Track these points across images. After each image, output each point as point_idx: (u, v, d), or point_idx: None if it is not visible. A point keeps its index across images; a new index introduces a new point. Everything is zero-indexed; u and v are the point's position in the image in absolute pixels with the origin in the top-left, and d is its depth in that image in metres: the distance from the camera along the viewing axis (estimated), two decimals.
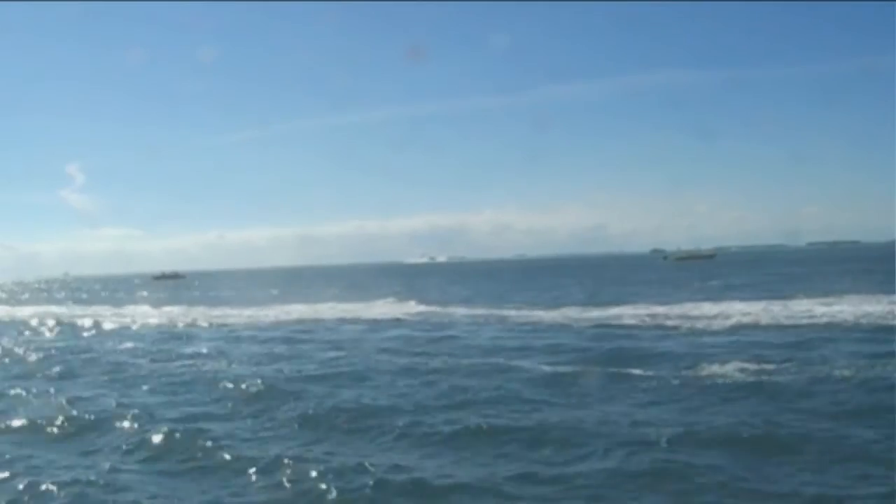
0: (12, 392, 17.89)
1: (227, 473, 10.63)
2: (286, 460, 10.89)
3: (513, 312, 34.76)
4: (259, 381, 17.43)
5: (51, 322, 40.11)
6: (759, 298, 35.29)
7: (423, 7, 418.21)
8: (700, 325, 26.29)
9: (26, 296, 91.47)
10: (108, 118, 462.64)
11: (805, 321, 25.82)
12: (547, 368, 18.35)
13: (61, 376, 20.68)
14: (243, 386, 17.01)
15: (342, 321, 34.04)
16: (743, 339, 22.40)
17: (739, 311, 29.69)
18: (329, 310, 40.54)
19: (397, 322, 33.08)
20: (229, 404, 15.47)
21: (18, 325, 39.93)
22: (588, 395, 15.21)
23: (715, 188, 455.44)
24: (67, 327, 37.56)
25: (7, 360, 24.86)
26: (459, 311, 36.31)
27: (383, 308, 40.66)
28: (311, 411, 14.22)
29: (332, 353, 22.64)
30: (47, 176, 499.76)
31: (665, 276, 71.03)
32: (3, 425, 14.21)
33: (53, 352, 26.36)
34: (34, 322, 41.48)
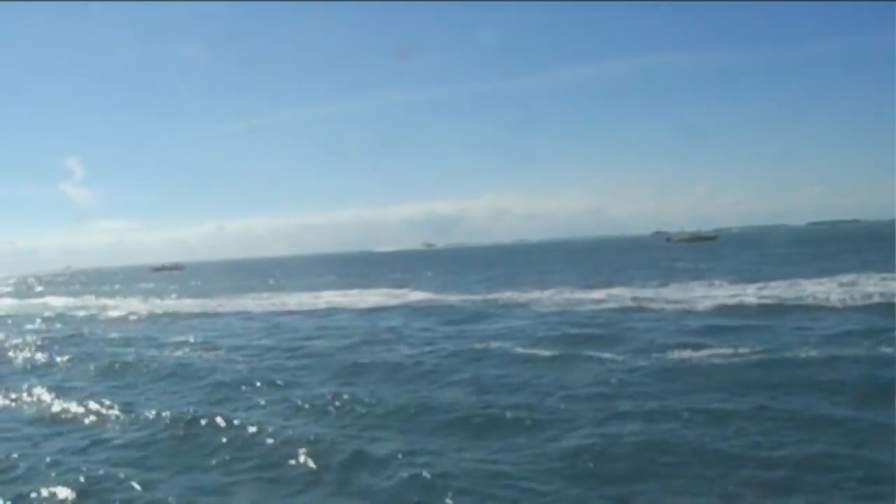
0: None
1: None
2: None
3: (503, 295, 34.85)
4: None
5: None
6: (751, 280, 34.99)
7: None
8: (685, 306, 26.25)
9: (40, 288, 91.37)
10: (106, 112, 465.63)
11: (790, 301, 25.74)
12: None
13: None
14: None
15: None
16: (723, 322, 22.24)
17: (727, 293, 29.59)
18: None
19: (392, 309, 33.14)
20: None
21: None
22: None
23: (714, 170, 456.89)
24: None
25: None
26: (453, 298, 36.39)
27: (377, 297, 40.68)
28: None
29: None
30: (47, 170, 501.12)
31: (668, 257, 70.22)
32: None
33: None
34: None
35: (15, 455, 11.32)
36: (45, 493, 9.46)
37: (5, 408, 15.34)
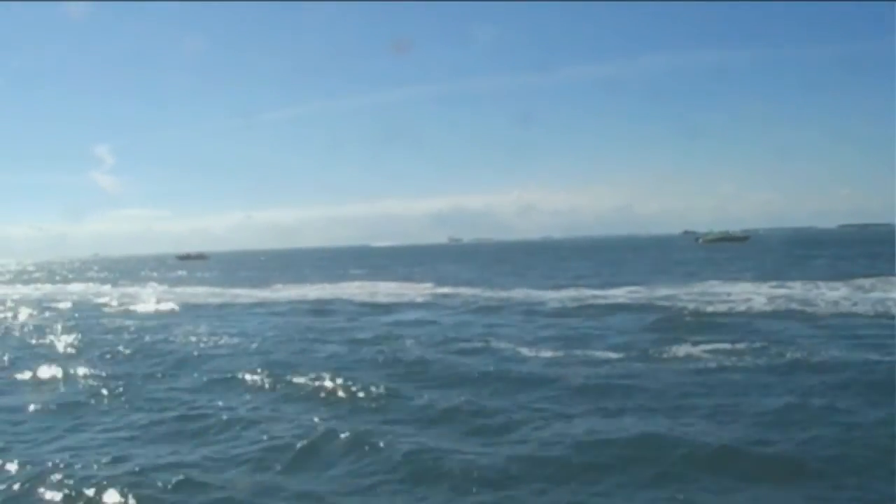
0: None
1: None
2: None
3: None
4: None
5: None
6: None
7: None
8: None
9: (71, 275, 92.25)
10: (137, 101, 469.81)
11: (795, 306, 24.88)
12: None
13: None
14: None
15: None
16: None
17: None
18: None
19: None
20: None
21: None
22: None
23: (743, 169, 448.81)
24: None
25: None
26: (466, 292, 36.29)
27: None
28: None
29: None
30: (77, 158, 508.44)
31: (700, 258, 68.51)
32: None
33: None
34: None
35: None
36: None
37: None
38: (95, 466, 9.51)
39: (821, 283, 31.47)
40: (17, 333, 25.88)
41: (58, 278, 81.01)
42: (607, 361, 15.87)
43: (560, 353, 17.02)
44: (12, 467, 9.58)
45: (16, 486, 8.90)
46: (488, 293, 35.27)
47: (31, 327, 27.63)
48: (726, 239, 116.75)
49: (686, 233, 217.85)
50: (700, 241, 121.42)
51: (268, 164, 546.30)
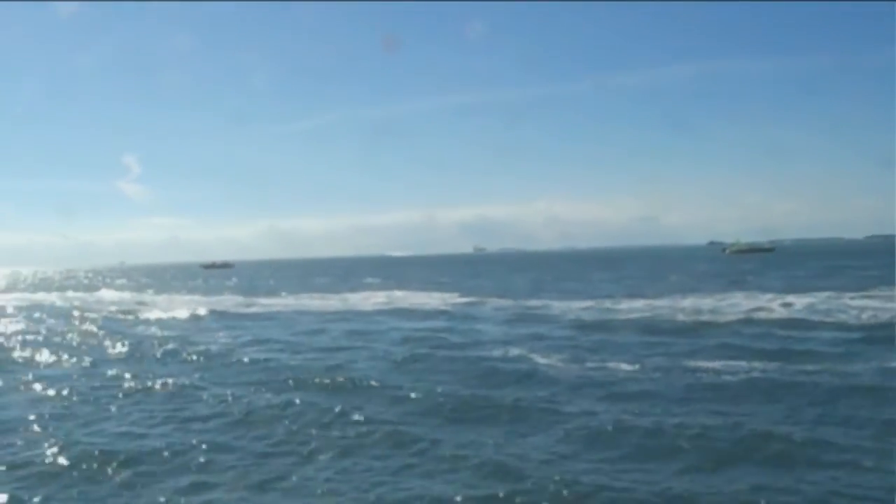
0: None
1: None
2: None
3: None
4: None
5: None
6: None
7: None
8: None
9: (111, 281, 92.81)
10: (163, 111, 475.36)
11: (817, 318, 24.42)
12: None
13: None
14: None
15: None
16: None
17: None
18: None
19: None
20: None
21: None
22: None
23: (767, 179, 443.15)
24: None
25: None
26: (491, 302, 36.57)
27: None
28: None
29: None
30: (104, 166, 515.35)
31: (728, 269, 67.60)
32: None
33: None
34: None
35: None
36: None
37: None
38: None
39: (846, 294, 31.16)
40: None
41: (101, 286, 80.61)
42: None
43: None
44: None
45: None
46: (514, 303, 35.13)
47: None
48: (753, 250, 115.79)
49: (712, 243, 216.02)
50: (726, 251, 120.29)
51: (292, 174, 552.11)
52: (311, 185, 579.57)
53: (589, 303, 33.29)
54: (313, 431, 11.48)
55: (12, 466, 10.08)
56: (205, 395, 14.56)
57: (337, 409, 12.59)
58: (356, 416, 12.15)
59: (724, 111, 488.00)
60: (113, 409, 13.77)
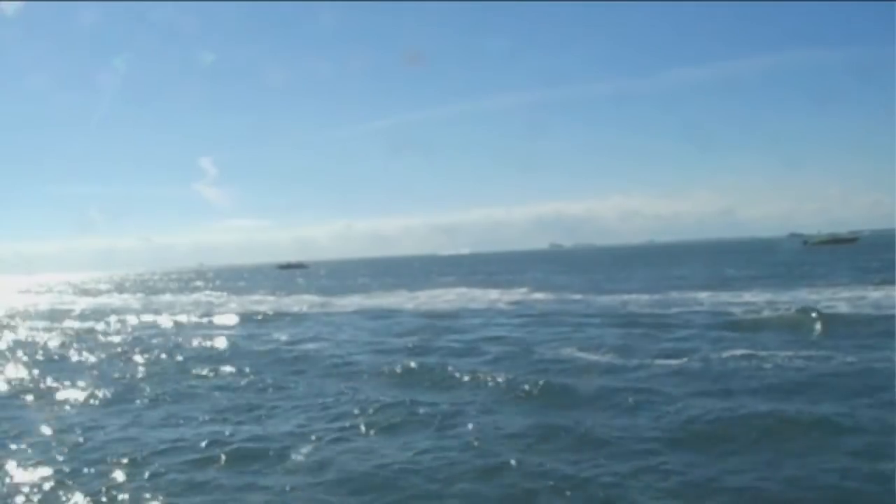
0: None
1: None
2: None
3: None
4: None
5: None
6: None
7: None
8: None
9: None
10: (239, 113, 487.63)
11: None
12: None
13: None
14: None
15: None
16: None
17: None
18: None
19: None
20: None
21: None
22: None
23: (848, 171, 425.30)
24: None
25: None
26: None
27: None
28: None
29: None
30: (182, 170, 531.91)
31: (811, 261, 65.32)
32: None
33: None
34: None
35: None
36: None
37: None
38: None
39: None
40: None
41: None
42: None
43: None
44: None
45: None
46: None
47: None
48: (835, 241, 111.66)
49: (792, 235, 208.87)
50: (808, 243, 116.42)
51: (367, 174, 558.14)
52: (387, 184, 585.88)
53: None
54: None
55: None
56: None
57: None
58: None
59: (801, 104, 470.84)
60: None
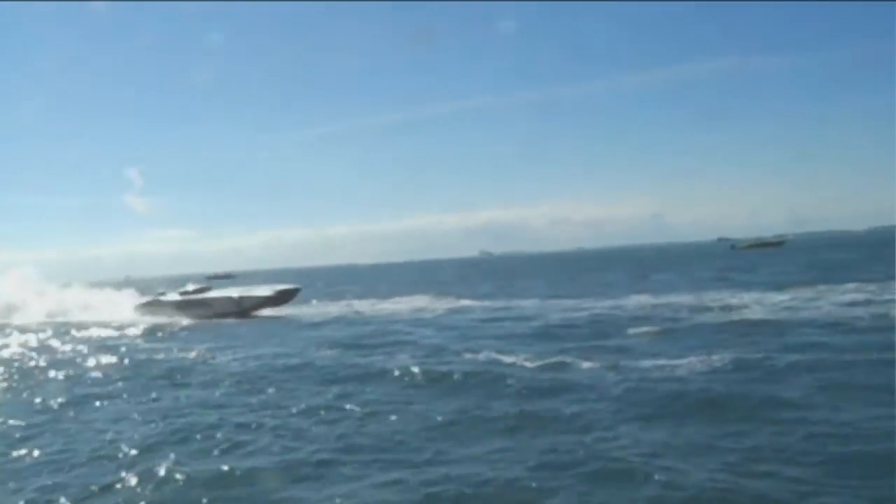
0: None
1: None
2: None
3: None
4: None
5: None
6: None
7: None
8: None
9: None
10: (164, 121, 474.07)
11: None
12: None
13: None
14: None
15: None
16: None
17: None
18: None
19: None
20: None
21: None
22: None
23: (772, 177, 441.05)
24: None
25: None
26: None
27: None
28: None
29: None
30: (107, 180, 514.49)
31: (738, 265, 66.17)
32: None
33: None
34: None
35: None
36: None
37: None
38: None
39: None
40: None
41: None
42: None
43: None
44: None
45: None
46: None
47: None
48: (761, 244, 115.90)
49: (720, 240, 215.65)
50: (735, 247, 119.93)
51: (297, 183, 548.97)
52: (316, 194, 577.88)
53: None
54: None
55: None
56: None
57: None
58: None
59: (723, 110, 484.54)
60: None
